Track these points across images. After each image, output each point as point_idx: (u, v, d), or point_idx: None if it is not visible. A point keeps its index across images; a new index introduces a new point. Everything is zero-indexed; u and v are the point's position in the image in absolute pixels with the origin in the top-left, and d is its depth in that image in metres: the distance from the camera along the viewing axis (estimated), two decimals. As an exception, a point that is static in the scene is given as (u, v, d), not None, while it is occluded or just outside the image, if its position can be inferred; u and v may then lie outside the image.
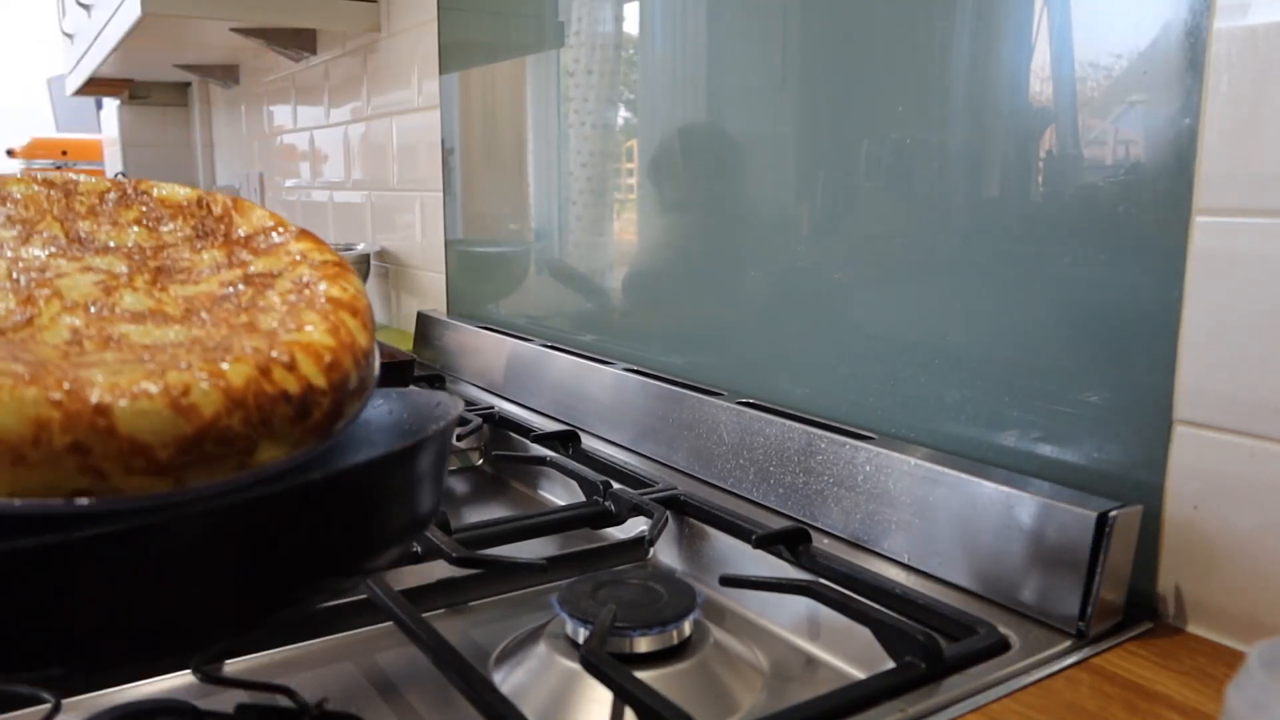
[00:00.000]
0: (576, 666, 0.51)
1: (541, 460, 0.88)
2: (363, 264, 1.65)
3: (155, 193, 0.52)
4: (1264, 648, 0.35)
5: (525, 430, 0.98)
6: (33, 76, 4.10)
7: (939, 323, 0.72)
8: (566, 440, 0.93)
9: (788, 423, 0.76)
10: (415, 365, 1.15)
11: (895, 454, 0.67)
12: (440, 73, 1.44)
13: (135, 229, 0.50)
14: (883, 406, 0.76)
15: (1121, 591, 0.57)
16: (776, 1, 0.84)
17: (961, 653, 0.53)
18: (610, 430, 0.96)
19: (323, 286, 0.45)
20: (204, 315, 0.43)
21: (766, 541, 0.67)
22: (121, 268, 0.47)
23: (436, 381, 1.23)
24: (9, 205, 0.49)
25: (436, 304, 1.52)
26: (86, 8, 2.11)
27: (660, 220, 1.02)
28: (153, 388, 0.34)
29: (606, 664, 0.49)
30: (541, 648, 0.56)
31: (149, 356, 0.38)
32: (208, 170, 3.02)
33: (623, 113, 1.07)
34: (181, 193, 0.53)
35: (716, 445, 0.82)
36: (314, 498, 0.36)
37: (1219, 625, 0.56)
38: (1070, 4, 0.62)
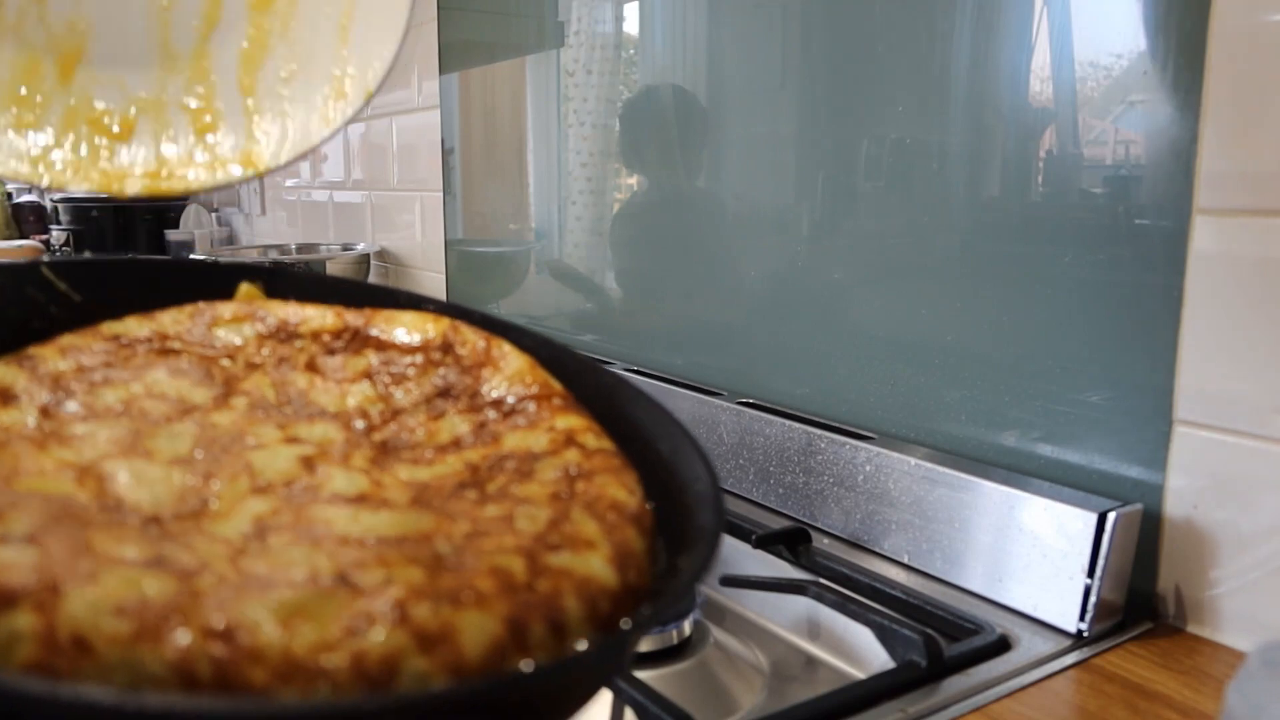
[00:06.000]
0: (576, 666, 0.51)
1: (541, 460, 0.88)
2: (363, 264, 1.65)
3: (392, 334, 0.42)
4: (1264, 648, 0.35)
5: (525, 430, 0.98)
6: (33, 76, 4.09)
7: (939, 323, 0.72)
8: (566, 440, 0.93)
9: (788, 423, 0.76)
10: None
11: (895, 454, 0.67)
12: (440, 73, 1.44)
13: (363, 386, 0.40)
14: (883, 406, 0.76)
15: (1121, 591, 0.57)
16: (776, 1, 0.84)
17: (961, 653, 0.52)
18: (610, 430, 0.96)
19: (601, 483, 0.34)
20: (436, 505, 0.33)
21: (766, 541, 0.67)
22: (336, 435, 0.38)
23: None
24: (215, 351, 0.41)
25: (436, 304, 1.52)
26: (86, 8, 2.10)
27: (660, 220, 1.02)
28: (337, 660, 0.24)
29: (606, 664, 0.49)
30: (541, 648, 0.56)
31: (352, 568, 0.27)
32: (208, 170, 3.01)
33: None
34: (426, 332, 0.42)
35: (716, 445, 0.82)
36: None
37: (1219, 625, 0.56)
38: (1070, 4, 0.62)
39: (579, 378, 0.41)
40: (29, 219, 3.04)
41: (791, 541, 0.67)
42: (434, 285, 1.53)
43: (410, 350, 0.42)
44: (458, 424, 0.39)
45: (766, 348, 0.87)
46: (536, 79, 1.22)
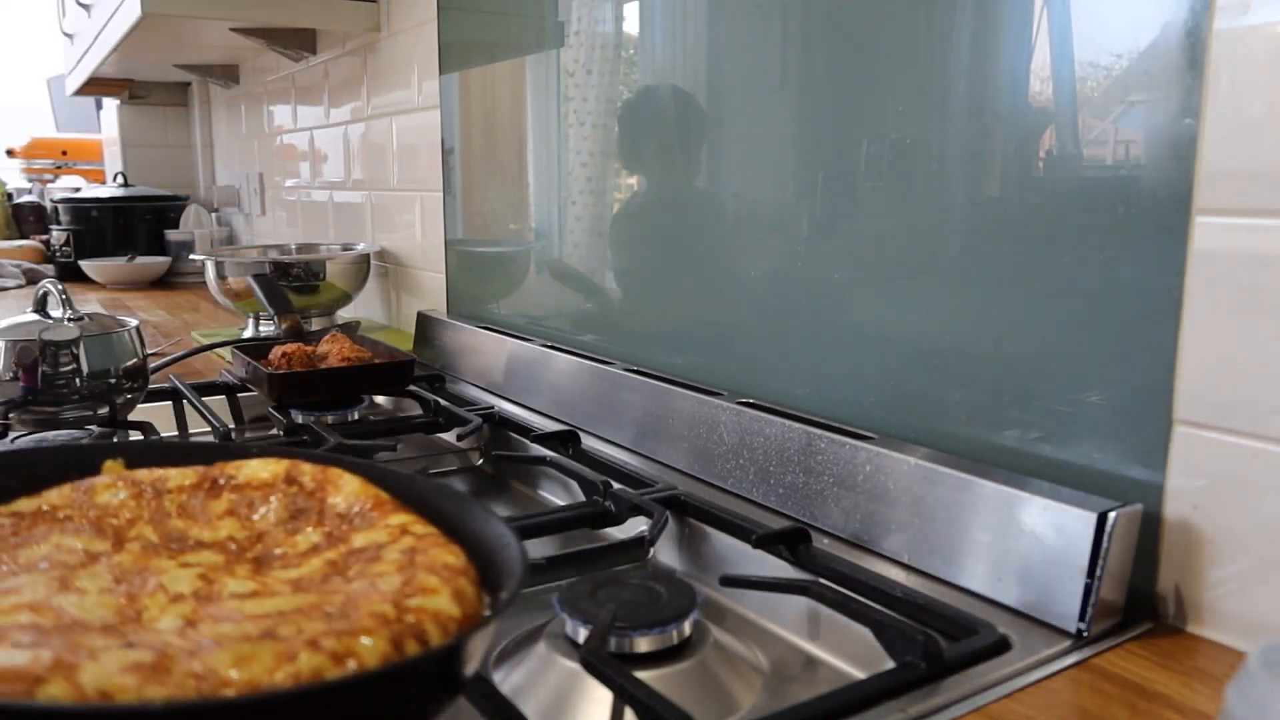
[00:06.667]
0: (576, 666, 0.51)
1: (541, 460, 0.88)
2: (363, 264, 1.65)
3: (241, 476, 0.52)
4: (1264, 648, 0.35)
5: (525, 430, 0.98)
6: (33, 76, 4.10)
7: (939, 323, 0.72)
8: (566, 440, 0.93)
9: (788, 423, 0.76)
10: (415, 365, 1.15)
11: (895, 454, 0.67)
12: (440, 73, 1.44)
13: (227, 522, 0.50)
14: (883, 406, 0.76)
15: (1121, 591, 0.57)
16: (776, 1, 0.84)
17: (961, 653, 0.52)
18: (610, 430, 0.96)
19: (434, 554, 0.44)
20: (314, 590, 0.43)
21: (766, 541, 0.67)
22: (218, 558, 0.47)
23: (436, 382, 1.23)
24: (98, 512, 0.49)
25: (436, 304, 1.52)
26: (86, 8, 2.11)
27: (660, 220, 1.02)
28: (282, 678, 0.34)
29: (606, 664, 0.49)
30: (541, 648, 0.56)
31: (271, 628, 0.37)
32: (207, 170, 3.02)
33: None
34: (267, 472, 0.52)
35: (716, 445, 0.82)
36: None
37: (1219, 625, 0.56)
38: (1070, 4, 0.62)
39: (401, 488, 0.52)
40: (29, 219, 3.04)
41: (791, 541, 0.67)
42: (434, 285, 1.53)
43: (260, 486, 0.52)
44: (312, 535, 0.49)
45: (766, 348, 0.87)
46: (536, 79, 1.22)
